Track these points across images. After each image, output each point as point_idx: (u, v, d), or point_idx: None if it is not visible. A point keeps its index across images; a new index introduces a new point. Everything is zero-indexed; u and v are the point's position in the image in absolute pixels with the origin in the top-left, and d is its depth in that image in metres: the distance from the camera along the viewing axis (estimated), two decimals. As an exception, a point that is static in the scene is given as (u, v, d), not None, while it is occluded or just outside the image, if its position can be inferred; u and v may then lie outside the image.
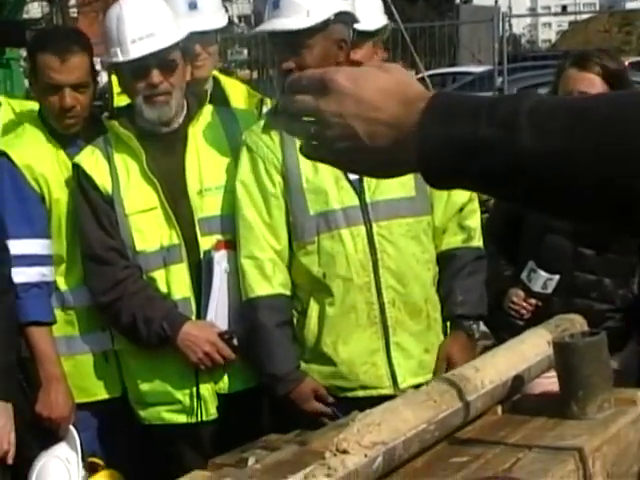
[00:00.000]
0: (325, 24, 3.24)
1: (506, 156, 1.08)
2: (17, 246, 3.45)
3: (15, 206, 3.48)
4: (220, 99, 3.90)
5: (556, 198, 1.08)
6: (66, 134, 3.57)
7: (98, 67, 3.74)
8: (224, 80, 4.11)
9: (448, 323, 3.42)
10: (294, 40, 3.21)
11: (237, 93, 4.07)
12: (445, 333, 3.42)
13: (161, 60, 3.35)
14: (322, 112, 1.17)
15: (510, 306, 3.74)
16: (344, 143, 1.17)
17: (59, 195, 3.52)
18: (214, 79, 4.01)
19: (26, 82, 5.32)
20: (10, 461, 3.17)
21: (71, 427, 3.42)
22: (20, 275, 3.42)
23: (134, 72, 3.37)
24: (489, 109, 1.10)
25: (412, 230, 3.32)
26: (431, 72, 16.54)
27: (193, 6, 3.80)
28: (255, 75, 21.79)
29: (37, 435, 3.44)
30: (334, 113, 1.16)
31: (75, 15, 27.61)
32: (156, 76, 3.34)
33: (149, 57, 3.33)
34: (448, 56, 18.97)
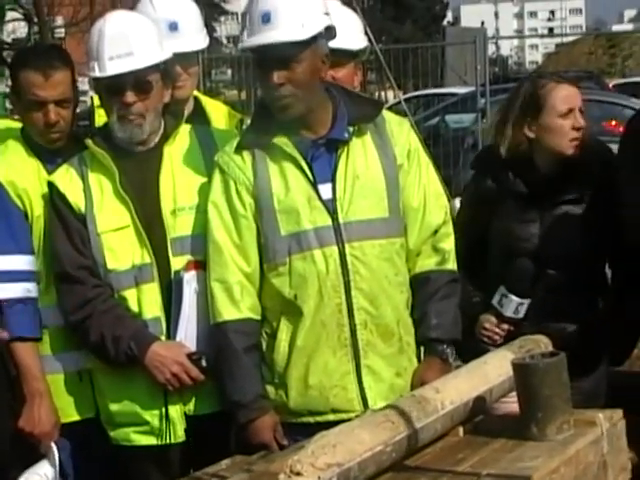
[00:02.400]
0: (314, 38, 3.22)
1: None
2: (1, 262, 3.46)
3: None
4: (201, 120, 3.90)
5: None
6: (48, 151, 3.59)
7: (86, 87, 3.75)
8: (205, 101, 4.11)
9: (422, 347, 3.40)
10: (286, 53, 3.17)
11: (218, 114, 4.07)
12: (418, 357, 3.40)
13: (137, 80, 3.35)
14: None
15: (482, 332, 3.75)
16: None
17: (40, 212, 3.53)
18: (195, 100, 4.01)
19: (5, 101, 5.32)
20: None
21: (52, 444, 3.41)
22: (4, 291, 3.42)
23: (109, 90, 3.38)
24: None
25: (385, 251, 3.31)
26: (416, 93, 16.62)
27: (174, 27, 3.81)
28: (243, 96, 21.84)
29: (21, 452, 3.43)
30: None
31: (62, 35, 27.69)
32: (130, 96, 3.34)
33: (125, 76, 3.33)
34: (436, 77, 19.07)
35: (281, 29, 3.18)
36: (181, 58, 3.74)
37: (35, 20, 5.67)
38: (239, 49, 3.32)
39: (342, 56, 3.63)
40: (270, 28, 3.18)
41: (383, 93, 19.46)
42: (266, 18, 3.19)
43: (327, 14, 3.30)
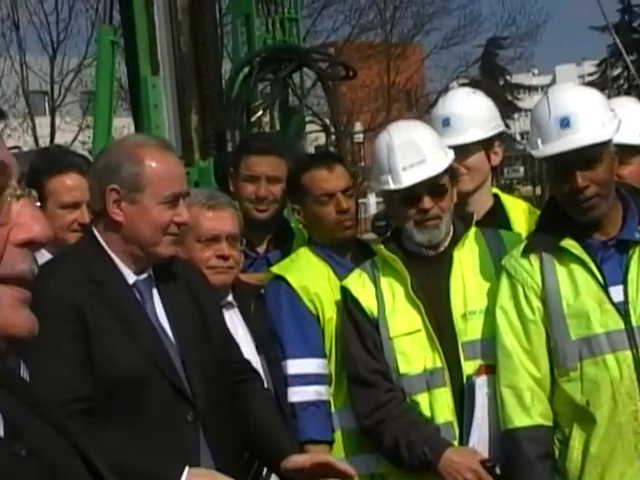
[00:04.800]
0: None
1: None
2: (295, 366, 3.60)
3: (293, 326, 3.64)
4: (500, 218, 3.92)
5: None
6: (337, 255, 3.73)
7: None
8: (504, 198, 4.14)
9: None
10: (590, 155, 3.15)
11: (517, 211, 4.08)
12: None
13: (432, 186, 3.42)
14: None
15: None
16: None
17: (331, 315, 3.66)
18: (495, 197, 4.05)
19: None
20: None
21: None
22: (298, 394, 3.56)
23: (405, 198, 3.45)
24: None
25: (683, 357, 3.17)
26: None
27: (446, 123, 3.88)
28: (538, 191, 21.69)
29: None
30: None
31: (361, 140, 28.76)
32: (427, 202, 3.40)
33: (420, 184, 3.41)
34: None
35: (583, 132, 3.16)
36: (455, 152, 3.80)
37: (332, 130, 5.97)
38: (536, 158, 3.31)
39: (628, 152, 3.54)
40: (571, 132, 3.17)
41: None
42: (565, 122, 3.17)
43: (612, 110, 3.27)
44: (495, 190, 4.11)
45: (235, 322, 3.44)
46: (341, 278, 3.65)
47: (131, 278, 2.88)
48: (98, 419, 2.65)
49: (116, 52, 5.62)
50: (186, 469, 2.63)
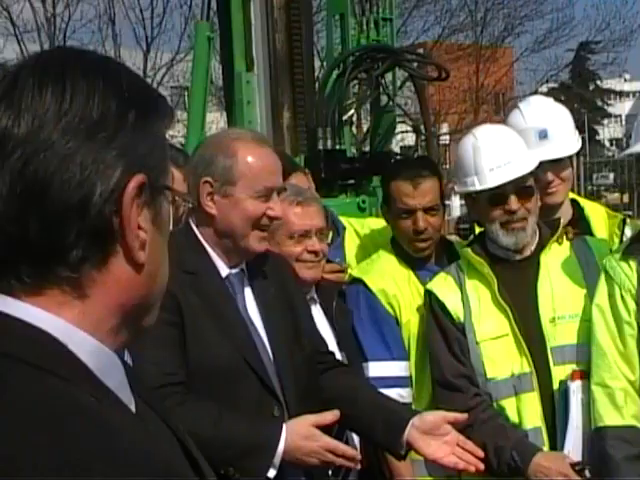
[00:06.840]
0: None
1: None
2: (376, 368, 3.60)
3: (373, 329, 3.64)
4: (581, 223, 3.89)
5: None
6: (417, 257, 3.71)
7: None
8: (584, 203, 4.11)
9: None
10: None
11: (597, 215, 4.05)
12: None
13: (518, 187, 3.41)
14: None
15: None
16: None
17: (409, 317, 3.65)
18: (574, 203, 4.01)
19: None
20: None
21: None
22: None
23: (491, 199, 3.44)
24: None
25: None
26: None
27: (543, 135, 3.85)
28: (625, 199, 21.35)
29: None
30: None
31: (447, 142, 28.61)
32: (514, 203, 3.39)
33: (507, 184, 3.40)
34: None
35: None
36: (552, 164, 3.76)
37: (423, 130, 5.92)
38: (624, 154, 3.32)
39: None
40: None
41: None
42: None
43: None
44: (572, 196, 4.07)
45: (317, 318, 3.44)
46: (422, 281, 3.64)
47: (224, 271, 2.90)
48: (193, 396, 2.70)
49: (211, 48, 5.67)
50: (283, 433, 2.68)
